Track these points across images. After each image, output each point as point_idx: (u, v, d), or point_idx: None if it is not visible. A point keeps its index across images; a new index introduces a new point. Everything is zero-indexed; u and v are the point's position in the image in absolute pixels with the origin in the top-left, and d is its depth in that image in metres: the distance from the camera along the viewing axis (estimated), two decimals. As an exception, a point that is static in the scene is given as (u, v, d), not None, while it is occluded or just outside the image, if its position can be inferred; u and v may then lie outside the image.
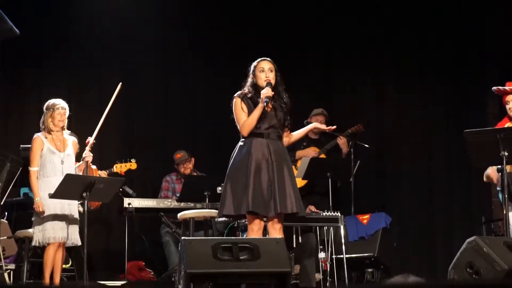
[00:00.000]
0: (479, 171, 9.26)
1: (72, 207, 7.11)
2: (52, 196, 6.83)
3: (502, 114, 9.35)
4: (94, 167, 7.47)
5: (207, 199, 8.27)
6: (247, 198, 6.27)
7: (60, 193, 6.81)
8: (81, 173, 7.21)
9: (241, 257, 5.60)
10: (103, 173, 7.77)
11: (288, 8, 9.97)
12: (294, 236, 7.58)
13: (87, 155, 7.20)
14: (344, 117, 9.78)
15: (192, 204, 8.57)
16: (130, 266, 8.77)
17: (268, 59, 6.53)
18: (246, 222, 6.70)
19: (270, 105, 6.43)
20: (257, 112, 6.35)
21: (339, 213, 7.72)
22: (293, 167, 7.17)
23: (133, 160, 8.12)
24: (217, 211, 7.72)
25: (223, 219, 8.26)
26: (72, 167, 7.20)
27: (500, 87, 7.27)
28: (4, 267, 7.63)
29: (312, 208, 7.80)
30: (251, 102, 6.43)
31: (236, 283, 5.60)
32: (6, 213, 8.30)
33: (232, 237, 7.23)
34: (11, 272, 7.95)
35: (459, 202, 9.60)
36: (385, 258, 8.53)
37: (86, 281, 6.91)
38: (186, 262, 5.56)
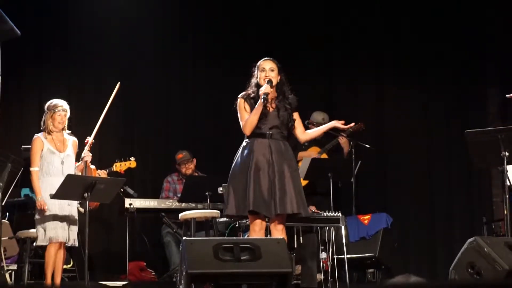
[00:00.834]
0: (480, 171, 9.30)
1: (72, 207, 7.11)
2: (53, 196, 6.84)
3: (502, 114, 9.38)
4: (93, 167, 7.47)
5: (208, 199, 8.27)
6: (248, 198, 6.27)
7: (61, 193, 6.81)
8: (80, 173, 7.21)
9: (242, 258, 5.61)
10: (103, 172, 7.76)
11: (289, 8, 9.97)
12: (295, 236, 7.58)
13: (86, 155, 7.21)
14: (345, 117, 9.74)
15: (193, 205, 8.56)
16: (131, 266, 8.76)
17: (271, 58, 6.53)
18: (247, 223, 6.71)
19: (273, 105, 6.43)
20: (257, 109, 6.36)
21: (340, 214, 7.72)
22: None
23: (132, 159, 8.10)
24: (218, 211, 7.81)
25: (224, 219, 8.28)
26: (72, 168, 7.19)
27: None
28: (5, 268, 7.63)
29: (313, 208, 7.80)
30: (254, 101, 6.44)
31: (237, 284, 5.60)
32: (7, 213, 8.30)
33: (233, 238, 7.23)
34: (12, 272, 7.95)
35: (460, 203, 9.60)
36: (386, 259, 8.53)
37: (87, 282, 6.91)
38: (187, 262, 5.56)
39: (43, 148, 7.15)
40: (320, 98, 9.85)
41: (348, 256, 7.99)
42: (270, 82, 6.41)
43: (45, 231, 7.01)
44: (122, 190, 8.30)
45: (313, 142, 8.89)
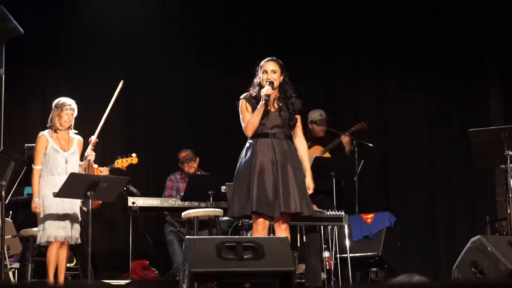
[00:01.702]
0: (483, 171, 9.29)
1: (74, 206, 7.12)
2: (56, 195, 6.84)
3: (505, 114, 9.37)
4: (96, 166, 7.47)
5: (211, 198, 8.26)
6: (251, 199, 6.28)
7: (64, 192, 6.81)
8: (83, 172, 7.21)
9: (245, 256, 5.61)
10: (105, 170, 7.74)
11: (290, 8, 9.96)
12: (299, 235, 7.58)
13: (90, 154, 7.21)
14: (347, 116, 9.78)
15: (196, 203, 8.56)
16: (134, 265, 8.77)
17: (274, 59, 6.51)
18: (251, 221, 6.71)
19: (275, 105, 6.43)
20: (258, 111, 6.36)
21: (343, 212, 7.73)
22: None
23: (134, 155, 8.06)
24: (221, 210, 7.83)
25: (227, 218, 8.27)
26: (76, 167, 7.19)
27: None
28: (8, 266, 7.63)
29: (314, 207, 7.80)
30: (256, 101, 6.44)
31: (240, 282, 5.61)
32: (10, 212, 8.30)
33: (236, 236, 7.24)
34: (16, 271, 7.96)
35: (463, 202, 9.59)
36: (389, 257, 8.52)
37: (90, 280, 6.90)
38: (190, 261, 5.57)
39: (47, 146, 7.15)
40: (320, 98, 9.84)
41: (351, 255, 7.99)
42: (271, 83, 6.41)
43: (46, 229, 7.02)
44: (125, 188, 8.30)
45: (315, 141, 8.89)
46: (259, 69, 6.51)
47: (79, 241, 7.17)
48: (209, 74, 9.90)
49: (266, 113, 6.40)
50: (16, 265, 7.98)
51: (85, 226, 7.11)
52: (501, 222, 8.68)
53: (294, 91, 6.56)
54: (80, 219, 7.19)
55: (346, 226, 7.87)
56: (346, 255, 7.90)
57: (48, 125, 7.26)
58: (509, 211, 6.77)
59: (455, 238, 9.31)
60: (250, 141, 6.46)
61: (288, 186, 6.31)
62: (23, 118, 9.51)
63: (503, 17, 9.42)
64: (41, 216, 7.05)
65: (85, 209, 7.17)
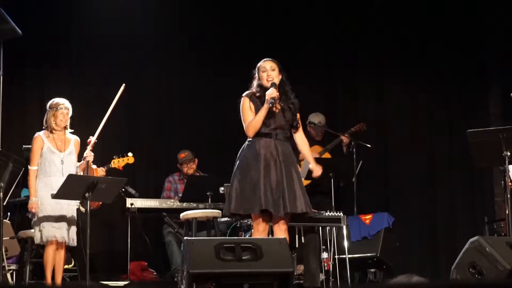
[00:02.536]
0: (481, 171, 9.29)
1: (70, 207, 7.11)
2: (54, 196, 6.83)
3: (504, 114, 9.37)
4: (94, 166, 7.46)
5: (209, 199, 8.26)
6: (259, 197, 6.22)
7: (62, 193, 6.80)
8: (82, 173, 7.21)
9: (243, 257, 5.61)
10: (102, 170, 7.73)
11: (289, 8, 9.97)
12: (297, 236, 7.58)
13: (88, 154, 7.20)
14: (345, 117, 9.78)
15: (194, 204, 8.56)
16: (133, 266, 8.77)
17: (271, 59, 6.52)
18: (249, 222, 6.70)
19: (278, 106, 6.41)
20: (262, 113, 6.32)
21: (341, 213, 7.72)
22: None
23: (130, 154, 8.03)
24: (219, 211, 7.74)
25: (226, 219, 8.27)
26: (72, 167, 7.19)
27: None
28: (6, 268, 7.63)
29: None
30: (259, 101, 6.41)
31: (239, 283, 5.60)
32: (8, 213, 8.30)
33: (235, 237, 7.23)
34: (14, 272, 7.95)
35: (461, 202, 9.59)
36: (388, 258, 8.52)
37: (88, 281, 6.90)
38: (189, 262, 5.56)
39: (43, 147, 7.15)
40: (320, 98, 9.84)
41: (350, 256, 7.99)
42: (274, 84, 6.38)
43: (42, 231, 7.02)
44: (123, 190, 8.30)
45: (314, 141, 8.90)
46: (257, 70, 6.50)
47: (75, 243, 7.17)
48: (208, 75, 9.89)
49: (269, 113, 6.35)
50: (14, 266, 7.98)
51: (83, 227, 7.11)
52: (499, 222, 8.68)
53: (292, 90, 6.55)
54: (77, 220, 7.18)
55: (344, 227, 7.86)
56: (344, 256, 7.90)
57: (43, 126, 7.27)
58: (507, 212, 6.76)
59: (453, 238, 9.31)
60: (251, 139, 6.41)
61: (294, 187, 6.29)
62: (22, 119, 9.50)
63: (503, 17, 9.42)
64: (37, 217, 7.04)
65: (83, 210, 7.16)
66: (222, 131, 9.61)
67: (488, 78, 9.65)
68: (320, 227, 7.83)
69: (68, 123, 7.26)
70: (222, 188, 7.75)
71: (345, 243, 7.98)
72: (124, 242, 8.79)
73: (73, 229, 7.14)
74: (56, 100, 7.28)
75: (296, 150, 6.66)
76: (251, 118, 6.37)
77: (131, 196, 8.59)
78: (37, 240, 7.08)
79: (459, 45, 9.67)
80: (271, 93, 6.31)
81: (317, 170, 6.60)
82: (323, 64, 10.13)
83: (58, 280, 7.06)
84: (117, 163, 7.94)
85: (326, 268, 7.92)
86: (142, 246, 9.32)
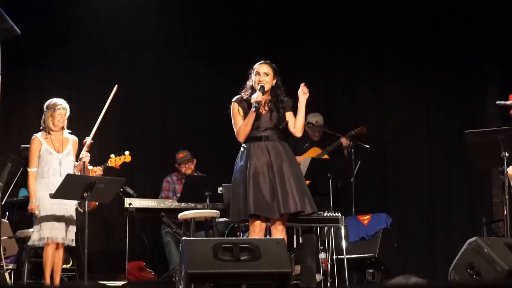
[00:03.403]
0: (480, 172, 9.29)
1: (69, 207, 7.11)
2: (53, 196, 6.83)
3: (502, 116, 9.37)
4: (91, 167, 7.45)
5: (207, 199, 8.26)
6: (248, 203, 6.28)
7: (61, 193, 6.80)
8: (79, 173, 7.20)
9: (241, 258, 5.61)
10: (99, 169, 7.72)
11: (289, 8, 9.97)
12: (295, 236, 7.58)
13: (84, 155, 7.20)
14: (345, 117, 9.78)
15: (192, 205, 8.56)
16: (131, 266, 8.76)
17: (268, 62, 6.52)
18: (247, 223, 6.70)
19: (265, 108, 6.44)
20: (249, 118, 6.38)
21: (339, 214, 7.73)
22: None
23: (127, 153, 8.02)
24: (217, 211, 7.83)
25: (224, 219, 8.27)
26: (71, 168, 7.18)
27: (503, 102, 7.23)
28: (5, 267, 7.63)
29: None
30: (247, 104, 6.44)
31: (237, 284, 5.60)
32: (7, 213, 8.30)
33: (233, 238, 7.23)
34: (12, 272, 7.95)
35: (459, 203, 9.59)
36: (386, 259, 8.53)
37: (86, 281, 6.90)
38: (187, 262, 5.56)
39: (41, 148, 7.14)
40: (319, 99, 9.83)
41: (348, 256, 7.99)
42: (262, 88, 6.41)
43: (38, 232, 7.02)
44: (121, 190, 8.29)
45: (313, 143, 8.90)
46: (253, 71, 6.51)
47: (74, 243, 7.17)
48: (207, 75, 9.89)
49: (257, 116, 6.40)
50: (13, 266, 7.97)
51: (81, 227, 7.10)
52: (497, 223, 8.68)
53: (286, 95, 6.55)
54: (75, 220, 7.18)
55: (342, 227, 7.87)
56: (342, 256, 7.91)
57: (41, 127, 7.26)
58: (505, 213, 6.77)
59: (451, 239, 9.31)
60: (244, 145, 6.47)
61: (286, 187, 6.30)
62: (20, 119, 9.49)
63: (503, 17, 9.42)
64: (37, 218, 7.04)
65: (81, 210, 7.16)
66: (220, 132, 9.60)
67: (487, 79, 9.65)
68: (318, 228, 7.83)
69: (65, 124, 7.25)
70: (220, 188, 7.75)
71: (343, 244, 7.99)
72: (122, 242, 8.78)
73: (72, 229, 7.14)
74: (53, 100, 7.27)
75: (295, 149, 6.65)
76: (241, 123, 6.41)
77: (129, 196, 8.59)
78: (33, 241, 7.07)
79: (459, 45, 9.66)
80: (256, 97, 6.35)
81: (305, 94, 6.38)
82: (323, 64, 10.13)
83: (57, 280, 7.07)
84: (114, 161, 7.93)
85: (324, 269, 7.92)
86: (140, 246, 9.32)
